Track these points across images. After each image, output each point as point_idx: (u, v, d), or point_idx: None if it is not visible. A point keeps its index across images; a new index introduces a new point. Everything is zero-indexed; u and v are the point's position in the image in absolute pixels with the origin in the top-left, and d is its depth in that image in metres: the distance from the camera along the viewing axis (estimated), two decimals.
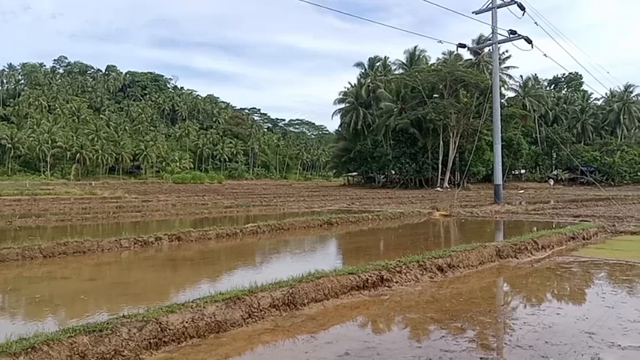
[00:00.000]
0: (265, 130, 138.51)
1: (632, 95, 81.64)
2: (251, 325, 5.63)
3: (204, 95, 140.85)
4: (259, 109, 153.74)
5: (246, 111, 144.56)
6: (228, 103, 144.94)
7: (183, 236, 12.29)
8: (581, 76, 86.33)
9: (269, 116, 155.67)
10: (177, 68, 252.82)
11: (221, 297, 5.78)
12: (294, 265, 9.31)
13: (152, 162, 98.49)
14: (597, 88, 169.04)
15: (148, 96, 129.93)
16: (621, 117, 79.78)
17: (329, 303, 6.48)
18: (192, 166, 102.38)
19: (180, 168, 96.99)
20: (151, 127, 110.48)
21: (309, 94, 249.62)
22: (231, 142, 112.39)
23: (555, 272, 8.97)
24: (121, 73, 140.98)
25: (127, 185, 63.48)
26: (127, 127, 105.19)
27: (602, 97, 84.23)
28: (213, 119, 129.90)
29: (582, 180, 64.74)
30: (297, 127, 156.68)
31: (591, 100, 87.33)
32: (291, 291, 6.21)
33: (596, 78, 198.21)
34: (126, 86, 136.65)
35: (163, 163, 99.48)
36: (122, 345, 4.66)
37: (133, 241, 11.38)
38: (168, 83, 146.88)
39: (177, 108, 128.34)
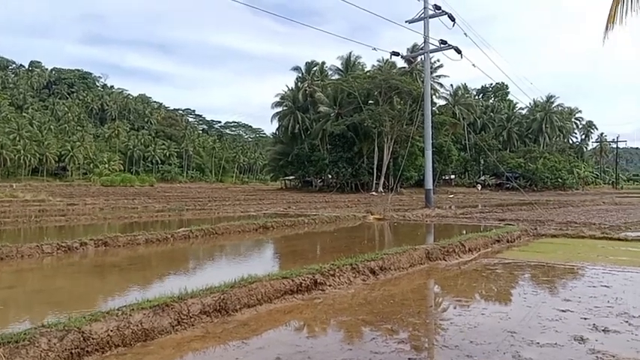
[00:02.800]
0: (200, 131, 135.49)
1: (553, 105, 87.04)
2: (180, 333, 5.49)
3: (135, 95, 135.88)
4: (194, 110, 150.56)
5: (180, 112, 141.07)
6: (161, 104, 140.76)
7: (111, 241, 11.80)
8: (507, 86, 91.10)
9: (204, 118, 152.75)
10: (107, 66, 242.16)
11: (148, 304, 5.59)
12: (227, 270, 9.17)
13: (79, 163, 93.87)
14: (522, 98, 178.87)
15: (75, 94, 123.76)
16: (543, 126, 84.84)
17: (262, 308, 6.42)
18: (122, 168, 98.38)
19: (109, 170, 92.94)
20: (78, 127, 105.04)
21: (246, 96, 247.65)
22: (164, 144, 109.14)
23: (481, 274, 9.37)
24: (46, 69, 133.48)
25: (51, 187, 60.00)
26: (52, 127, 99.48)
27: (526, 106, 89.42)
28: (145, 120, 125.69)
29: (507, 185, 68.12)
30: (233, 129, 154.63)
31: (516, 109, 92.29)
32: (222, 297, 6.10)
33: (521, 88, 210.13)
34: (51, 83, 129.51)
35: (91, 165, 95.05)
36: (41, 356, 4.42)
37: (56, 247, 10.80)
38: (97, 81, 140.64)
39: (106, 107, 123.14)
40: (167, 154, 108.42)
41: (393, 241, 14.65)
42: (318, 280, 7.48)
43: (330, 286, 7.63)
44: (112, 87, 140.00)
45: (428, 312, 6.70)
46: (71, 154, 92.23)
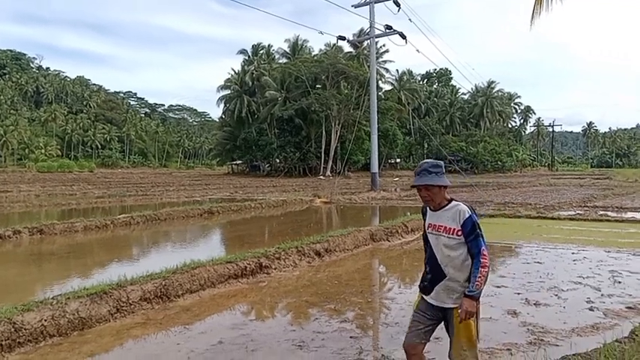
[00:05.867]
0: (142, 115, 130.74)
1: (493, 91, 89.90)
2: (120, 320, 5.37)
3: (73, 77, 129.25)
4: (135, 94, 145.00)
5: (121, 95, 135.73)
6: (101, 86, 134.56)
7: (47, 229, 11.30)
8: (450, 72, 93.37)
9: (146, 101, 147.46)
10: (43, 47, 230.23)
11: (85, 292, 5.42)
12: (170, 256, 8.98)
13: (13, 149, 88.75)
14: (464, 84, 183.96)
15: (7, 76, 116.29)
16: (484, 111, 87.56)
17: (205, 293, 6.35)
18: (59, 153, 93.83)
19: (45, 155, 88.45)
20: (12, 111, 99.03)
21: (191, 80, 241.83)
22: (104, 128, 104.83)
23: (422, 253, 9.62)
24: None
25: None
26: None
27: (468, 92, 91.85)
28: (84, 103, 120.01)
29: (450, 168, 70.09)
30: (177, 113, 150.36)
31: (459, 94, 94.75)
32: (164, 283, 5.98)
33: (463, 74, 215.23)
34: None
35: (26, 150, 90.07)
36: None
37: None
38: (32, 62, 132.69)
39: (42, 90, 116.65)
40: (108, 139, 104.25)
41: (339, 223, 14.80)
42: (264, 264, 7.47)
43: (275, 269, 7.63)
44: (47, 69, 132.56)
45: (371, 291, 6.84)
46: (4, 139, 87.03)
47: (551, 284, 6.73)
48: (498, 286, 6.66)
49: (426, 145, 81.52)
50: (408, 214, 14.65)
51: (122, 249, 10.89)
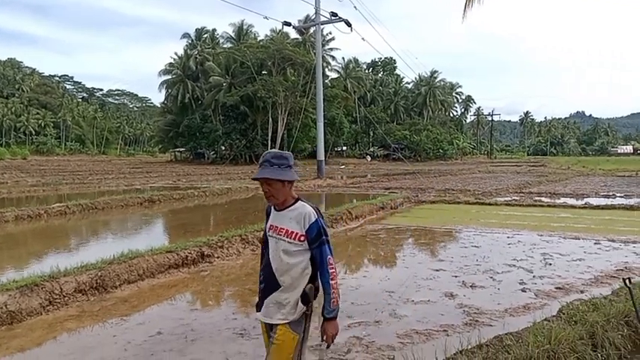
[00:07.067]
0: (80, 100, 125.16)
1: (436, 80, 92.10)
2: (52, 313, 5.16)
3: (3, 59, 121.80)
4: (72, 77, 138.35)
5: (57, 78, 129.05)
6: (35, 69, 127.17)
7: None
8: (395, 61, 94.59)
9: (84, 85, 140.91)
10: None
11: (14, 285, 5.17)
12: (108, 246, 8.67)
13: None
14: (408, 73, 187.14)
15: None
16: (427, 100, 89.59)
17: (144, 284, 6.19)
18: None
19: None
20: None
21: (131, 64, 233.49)
22: (38, 113, 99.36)
23: (366, 239, 9.79)
24: None
25: None
26: None
27: (412, 81, 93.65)
28: (16, 87, 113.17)
29: (394, 156, 71.39)
30: (117, 98, 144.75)
31: (403, 83, 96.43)
32: (100, 274, 5.77)
33: (407, 64, 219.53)
34: None
35: None
36: None
37: None
38: None
39: None
40: (42, 125, 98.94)
41: None
42: (206, 253, 7.35)
43: (218, 257, 7.53)
44: None
45: None
46: None
47: (487, 267, 7.00)
48: (437, 270, 6.87)
49: (371, 134, 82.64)
50: (354, 201, 14.83)
51: (57, 239, 10.40)
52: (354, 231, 10.58)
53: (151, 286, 6.18)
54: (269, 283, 2.62)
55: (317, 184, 23.85)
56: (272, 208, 2.72)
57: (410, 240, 9.84)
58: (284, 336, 2.53)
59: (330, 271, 2.53)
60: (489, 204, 15.11)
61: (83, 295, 5.55)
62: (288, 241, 2.58)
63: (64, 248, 9.28)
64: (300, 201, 2.65)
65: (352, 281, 6.40)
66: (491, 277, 6.45)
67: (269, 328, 2.64)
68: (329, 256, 2.55)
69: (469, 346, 3.69)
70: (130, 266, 6.12)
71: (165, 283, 6.32)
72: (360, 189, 21.32)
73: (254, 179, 2.65)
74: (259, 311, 2.68)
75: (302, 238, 2.56)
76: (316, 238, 2.54)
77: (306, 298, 2.56)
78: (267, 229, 2.72)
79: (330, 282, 2.53)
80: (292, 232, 2.57)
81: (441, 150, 79.30)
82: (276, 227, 2.63)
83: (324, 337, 2.57)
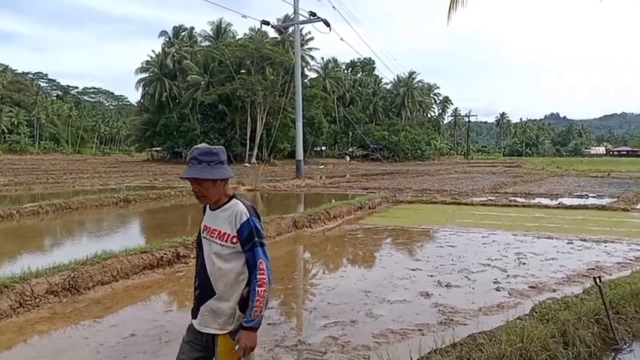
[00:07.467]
0: (54, 98, 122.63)
1: (414, 81, 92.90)
2: (23, 315, 5.05)
3: None
4: (46, 75, 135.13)
5: (30, 76, 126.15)
6: (7, 66, 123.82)
7: None
8: (373, 61, 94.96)
9: (59, 83, 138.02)
10: None
11: None
12: (81, 247, 8.52)
13: None
14: (387, 74, 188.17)
15: None
16: (406, 100, 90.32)
17: (118, 285, 6.09)
18: None
19: None
20: None
21: (107, 61, 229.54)
22: (11, 111, 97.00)
23: (344, 239, 9.81)
24: None
25: None
26: None
27: (391, 82, 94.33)
28: None
29: (373, 156, 71.73)
30: (93, 96, 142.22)
31: (382, 84, 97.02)
32: (72, 275, 5.66)
33: (386, 64, 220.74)
34: None
35: None
36: None
37: None
38: None
39: None
40: (15, 123, 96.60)
41: (263, 211, 14.68)
42: (181, 253, 7.27)
43: (194, 258, 7.43)
44: None
45: (291, 277, 6.85)
46: None
47: (462, 266, 7.08)
48: (413, 269, 6.92)
49: (350, 134, 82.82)
50: (333, 200, 14.85)
51: (29, 240, 10.16)
52: (332, 231, 10.59)
53: (125, 287, 6.09)
54: (204, 290, 2.39)
55: (296, 184, 23.82)
56: (208, 206, 2.49)
57: (387, 240, 9.89)
58: (227, 347, 2.33)
59: (259, 277, 2.27)
60: (465, 204, 15.29)
61: (55, 296, 5.44)
62: (220, 244, 2.36)
63: (37, 249, 9.08)
64: (234, 199, 2.43)
65: (329, 281, 6.40)
66: (466, 277, 6.53)
67: (206, 337, 2.40)
68: (260, 260, 2.30)
69: (443, 345, 3.72)
70: (103, 267, 6.02)
71: (140, 284, 6.24)
72: (338, 189, 21.36)
73: (182, 178, 2.42)
74: (195, 318, 2.44)
75: (234, 240, 2.33)
76: (248, 239, 2.31)
77: (244, 304, 2.32)
78: (201, 230, 2.49)
79: (257, 289, 2.26)
80: (224, 234, 2.35)
81: (418, 150, 80.00)
82: (209, 228, 2.42)
83: (236, 347, 2.28)
